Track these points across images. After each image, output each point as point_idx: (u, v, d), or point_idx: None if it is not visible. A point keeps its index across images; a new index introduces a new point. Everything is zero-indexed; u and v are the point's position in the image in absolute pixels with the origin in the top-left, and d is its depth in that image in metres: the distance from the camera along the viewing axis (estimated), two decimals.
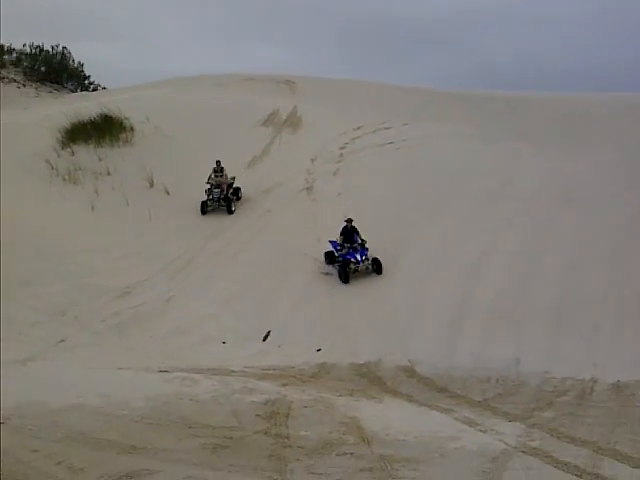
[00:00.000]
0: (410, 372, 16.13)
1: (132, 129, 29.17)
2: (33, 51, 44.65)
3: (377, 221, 22.17)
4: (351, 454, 10.64)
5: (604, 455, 10.92)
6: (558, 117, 28.04)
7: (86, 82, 45.42)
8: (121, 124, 29.25)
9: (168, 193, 25.43)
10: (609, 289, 17.68)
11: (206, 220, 24.17)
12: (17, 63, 44.34)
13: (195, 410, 12.71)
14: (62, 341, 18.44)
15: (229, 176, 25.19)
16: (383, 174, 25.01)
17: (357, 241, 20.73)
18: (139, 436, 11.02)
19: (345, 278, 20.24)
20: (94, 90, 44.13)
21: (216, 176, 25.03)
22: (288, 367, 16.44)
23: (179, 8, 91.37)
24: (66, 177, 26.48)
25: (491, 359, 15.96)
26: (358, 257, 20.38)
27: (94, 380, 14.79)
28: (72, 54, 44.88)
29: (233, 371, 15.98)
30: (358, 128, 29.04)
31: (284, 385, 14.89)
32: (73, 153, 27.99)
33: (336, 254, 20.88)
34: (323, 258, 21.24)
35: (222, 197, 24.63)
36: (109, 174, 26.62)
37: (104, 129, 28.87)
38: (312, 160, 26.83)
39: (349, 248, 20.57)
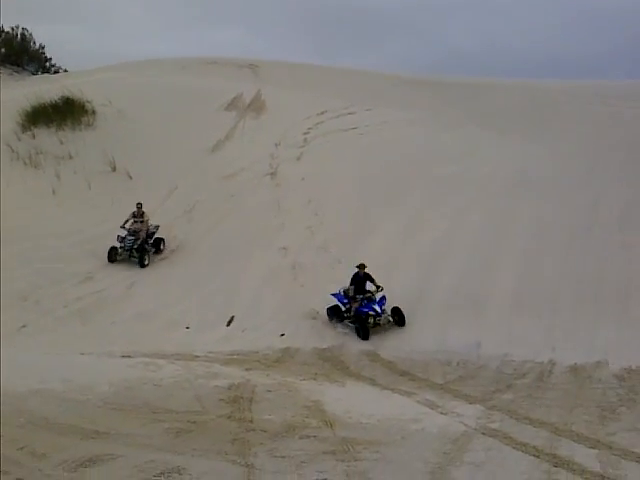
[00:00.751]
0: (373, 356, 16.29)
1: (94, 112, 28.84)
2: None
3: (340, 206, 22.24)
4: (314, 437, 10.73)
5: (562, 436, 11.17)
6: (522, 104, 28.28)
7: (47, 64, 44.77)
8: (83, 107, 28.91)
9: (130, 177, 25.24)
10: (567, 273, 17.99)
11: (170, 205, 23.99)
12: None
13: (158, 395, 12.69)
14: (24, 326, 18.31)
15: (151, 223, 22.28)
16: (346, 159, 25.05)
17: (370, 289, 18.09)
18: (102, 421, 10.98)
19: (365, 334, 17.28)
20: (55, 73, 43.50)
21: (135, 221, 22.03)
22: (252, 352, 16.49)
23: None
24: (27, 161, 26.16)
25: (452, 343, 16.19)
26: (377, 308, 17.62)
27: (56, 365, 14.68)
28: (33, 36, 44.24)
29: (197, 356, 15.99)
30: (322, 113, 29.01)
31: (248, 370, 14.94)
32: (34, 136, 27.63)
33: (343, 308, 18.08)
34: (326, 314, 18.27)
35: (136, 247, 21.57)
36: (71, 158, 26.34)
37: (66, 112, 28.51)
38: (276, 145, 26.78)
39: (362, 299, 17.81)
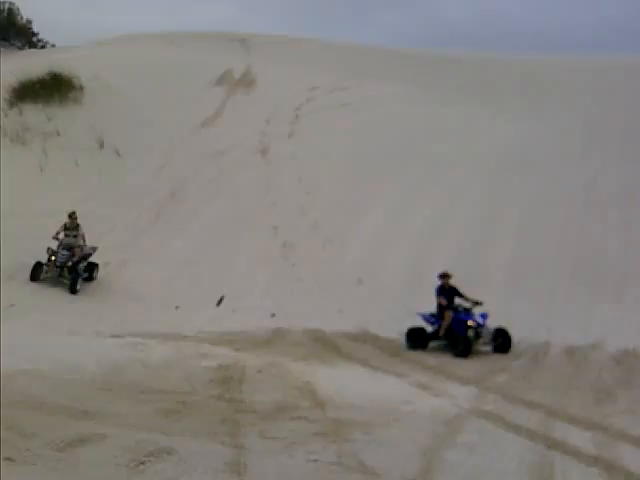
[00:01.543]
0: (364, 337, 16.21)
1: (82, 88, 28.51)
2: None
3: (332, 185, 22.10)
4: (305, 418, 10.63)
5: (556, 418, 11.11)
6: (519, 79, 28.14)
7: (35, 39, 44.30)
8: (70, 83, 28.57)
9: (119, 154, 24.98)
10: (564, 253, 17.95)
11: (158, 182, 23.75)
12: None
13: (148, 375, 12.60)
14: (12, 305, 18.10)
15: (87, 241, 19.10)
16: (339, 136, 24.91)
17: (463, 305, 15.35)
18: (91, 401, 10.88)
19: (466, 348, 14.45)
20: (42, 48, 43.08)
21: (67, 234, 18.84)
22: (242, 332, 16.41)
23: None
24: (14, 138, 25.85)
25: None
26: (479, 319, 14.97)
27: (45, 345, 14.55)
28: (20, 10, 43.73)
29: (186, 336, 15.90)
30: (314, 89, 28.81)
31: (238, 350, 14.84)
32: (21, 113, 27.30)
33: (429, 329, 15.38)
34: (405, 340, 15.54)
35: (69, 265, 18.38)
36: (58, 134, 26.05)
37: (53, 88, 28.17)
38: (267, 121, 26.56)
39: (456, 308, 15.30)
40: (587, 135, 22.70)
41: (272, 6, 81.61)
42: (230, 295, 18.39)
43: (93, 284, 19.08)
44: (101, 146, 25.30)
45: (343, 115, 26.56)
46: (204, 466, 8.36)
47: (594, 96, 25.35)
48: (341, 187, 22.05)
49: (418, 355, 14.96)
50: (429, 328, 15.35)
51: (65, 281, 18.34)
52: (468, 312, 14.89)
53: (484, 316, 14.95)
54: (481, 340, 14.64)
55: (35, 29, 44.42)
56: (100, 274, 19.47)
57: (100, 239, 20.83)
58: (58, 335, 15.71)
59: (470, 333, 14.55)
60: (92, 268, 18.94)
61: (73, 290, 18.15)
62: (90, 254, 18.92)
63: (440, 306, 15.27)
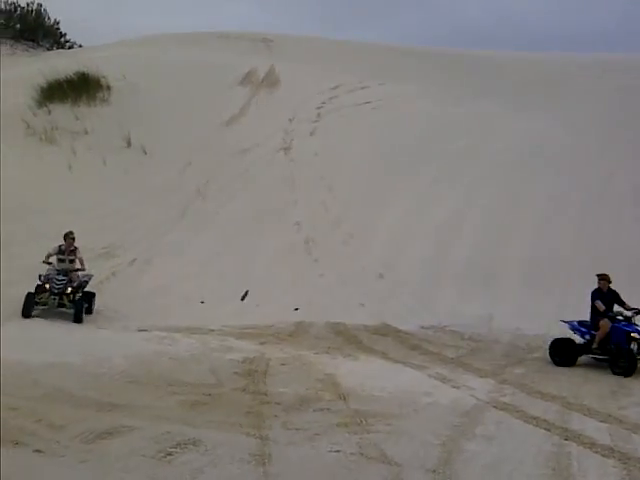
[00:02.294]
0: (385, 330, 16.39)
1: (109, 87, 28.79)
2: (8, 8, 43.82)
3: (353, 181, 22.25)
4: (327, 409, 10.85)
5: (573, 410, 11.27)
6: (536, 77, 28.10)
7: (62, 40, 44.70)
8: (98, 82, 28.86)
9: (145, 152, 25.28)
10: (580, 248, 18.02)
11: (184, 180, 24.02)
12: None
13: (174, 368, 12.86)
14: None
15: (85, 266, 16.90)
16: (360, 134, 25.00)
17: (622, 313, 13.42)
18: (119, 394, 11.15)
19: (632, 366, 12.60)
20: (70, 48, 43.45)
21: (61, 259, 16.61)
22: (266, 326, 16.62)
23: None
24: (43, 137, 26.17)
25: (464, 316, 16.31)
26: None
27: (73, 339, 14.87)
28: (48, 11, 44.15)
29: (212, 330, 16.13)
30: (335, 87, 28.91)
31: (262, 343, 15.08)
32: (50, 112, 27.64)
33: (580, 340, 13.57)
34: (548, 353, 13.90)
35: (68, 292, 16.20)
36: (86, 133, 26.35)
37: (81, 87, 28.45)
38: (290, 120, 26.73)
39: (615, 316, 13.38)
40: (603, 132, 22.66)
41: (292, 6, 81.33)
42: (254, 290, 18.59)
43: (117, 280, 19.23)
44: (128, 145, 25.57)
45: (364, 113, 26.66)
46: (229, 457, 8.63)
47: (610, 94, 25.27)
48: (362, 184, 22.19)
49: (437, 348, 15.14)
50: (579, 339, 13.63)
51: (66, 310, 16.26)
52: (630, 321, 13.04)
53: None
54: None
55: (63, 30, 44.86)
56: (125, 268, 19.69)
57: (127, 236, 21.22)
58: (86, 329, 16.03)
59: (634, 346, 12.65)
60: (90, 298, 16.88)
61: (78, 318, 16.00)
62: (87, 282, 16.94)
63: (595, 313, 13.44)
